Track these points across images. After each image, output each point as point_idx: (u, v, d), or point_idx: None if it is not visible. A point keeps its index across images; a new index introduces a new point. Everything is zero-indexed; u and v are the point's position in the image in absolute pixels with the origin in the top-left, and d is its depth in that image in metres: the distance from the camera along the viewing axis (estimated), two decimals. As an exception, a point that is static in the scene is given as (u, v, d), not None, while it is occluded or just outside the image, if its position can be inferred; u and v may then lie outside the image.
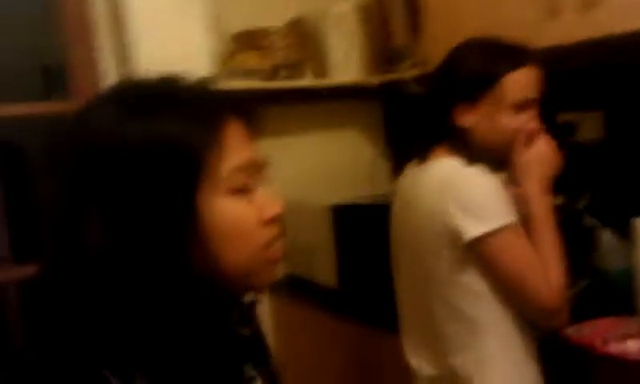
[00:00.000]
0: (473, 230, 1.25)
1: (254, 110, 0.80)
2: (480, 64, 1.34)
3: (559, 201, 1.90)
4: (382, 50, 2.47)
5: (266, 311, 2.43)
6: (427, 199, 1.33)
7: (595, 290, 1.81)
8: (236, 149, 0.74)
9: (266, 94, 2.34)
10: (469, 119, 1.35)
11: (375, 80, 2.44)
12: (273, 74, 2.34)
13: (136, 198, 0.69)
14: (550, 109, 2.02)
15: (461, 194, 1.26)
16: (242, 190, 0.75)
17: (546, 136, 1.40)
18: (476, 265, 1.29)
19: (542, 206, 1.34)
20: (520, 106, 1.34)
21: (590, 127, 2.01)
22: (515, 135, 1.35)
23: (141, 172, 0.69)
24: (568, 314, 1.31)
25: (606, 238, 1.85)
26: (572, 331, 1.53)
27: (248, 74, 2.27)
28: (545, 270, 1.27)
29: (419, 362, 1.43)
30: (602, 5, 1.55)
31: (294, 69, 2.41)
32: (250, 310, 0.95)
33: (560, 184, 1.98)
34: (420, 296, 1.39)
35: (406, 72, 2.26)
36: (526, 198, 1.35)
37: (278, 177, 2.72)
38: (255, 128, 0.80)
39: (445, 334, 1.34)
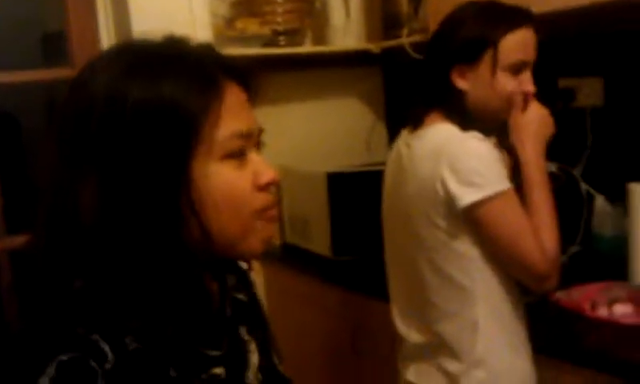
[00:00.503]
0: (467, 196, 1.26)
1: (254, 76, 0.80)
2: (477, 26, 1.34)
3: (555, 167, 1.91)
4: (383, 17, 2.45)
5: (260, 279, 2.47)
6: (421, 166, 1.34)
7: (587, 256, 1.83)
8: (234, 115, 0.74)
9: (265, 61, 2.34)
10: (465, 81, 1.35)
11: (375, 47, 2.43)
12: (272, 40, 2.34)
13: (131, 159, 0.70)
14: (550, 74, 2.04)
15: (455, 161, 1.27)
16: (238, 156, 0.75)
17: (539, 100, 1.39)
18: (469, 231, 1.30)
19: (538, 169, 1.35)
20: (516, 68, 1.34)
21: (589, 93, 2.00)
22: (511, 98, 1.35)
23: (136, 133, 0.70)
24: (559, 279, 1.32)
25: (600, 204, 1.86)
26: (561, 295, 1.55)
27: (247, 40, 2.27)
28: (538, 234, 1.28)
29: (407, 330, 1.45)
30: None
31: (294, 35, 2.40)
32: (246, 276, 0.97)
33: (557, 150, 2.00)
34: (410, 263, 1.40)
35: (407, 38, 2.25)
36: (522, 162, 1.36)
37: (276, 144, 2.74)
38: (254, 95, 0.80)
39: (433, 301, 1.36)
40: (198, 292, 0.75)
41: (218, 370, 0.80)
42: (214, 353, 0.80)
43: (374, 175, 1.58)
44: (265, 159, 0.79)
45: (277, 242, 2.47)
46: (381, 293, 1.58)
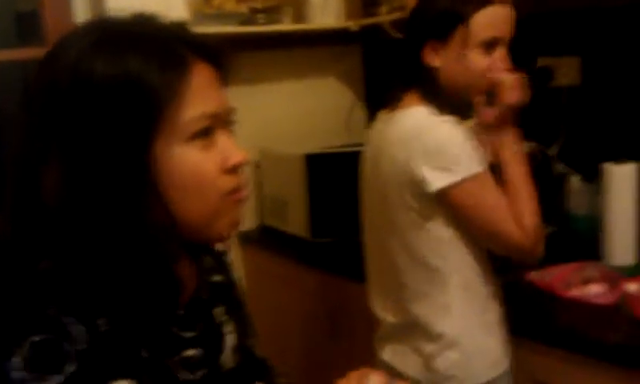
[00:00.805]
0: (440, 180, 1.26)
1: (226, 56, 0.78)
2: (448, 1, 1.33)
3: (531, 146, 1.92)
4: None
5: (239, 261, 2.46)
6: (394, 149, 1.33)
7: (562, 236, 1.85)
8: (201, 95, 0.73)
9: (243, 39, 2.31)
10: (438, 58, 1.34)
11: (354, 25, 2.41)
12: (250, 18, 2.31)
13: (93, 136, 0.69)
14: (529, 53, 2.04)
15: (427, 145, 1.27)
16: (204, 138, 0.73)
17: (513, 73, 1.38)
18: (442, 214, 1.31)
19: (513, 148, 1.35)
20: (488, 45, 1.32)
21: (566, 72, 2.01)
22: (482, 75, 1.34)
23: (99, 109, 0.69)
24: (543, 250, 1.33)
25: (575, 184, 1.87)
26: (535, 275, 1.57)
27: (225, 18, 2.24)
28: (517, 211, 1.29)
29: (383, 311, 1.47)
30: None
31: (272, 13, 2.38)
32: (222, 258, 0.96)
33: (534, 129, 2.01)
34: (385, 245, 1.41)
35: (386, 16, 2.24)
36: (498, 141, 1.36)
37: (254, 124, 2.72)
38: (226, 74, 0.79)
39: (407, 283, 1.37)
40: (163, 274, 0.74)
41: (192, 352, 0.80)
42: (188, 334, 0.80)
43: (352, 156, 1.57)
44: (234, 140, 0.77)
45: (253, 223, 2.47)
46: (358, 275, 1.59)
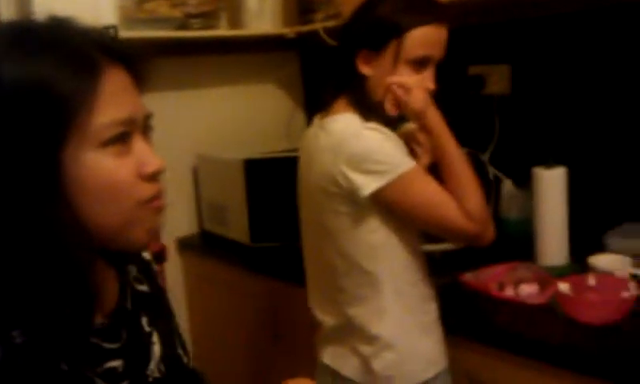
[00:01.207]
0: (370, 185, 1.26)
1: (143, 60, 0.76)
2: (387, 14, 1.34)
3: (464, 152, 1.95)
4: (299, 1, 2.43)
5: (178, 267, 2.42)
6: (323, 156, 1.34)
7: (496, 239, 1.88)
8: (114, 100, 0.70)
9: (177, 44, 2.28)
10: (369, 68, 1.35)
11: (291, 32, 2.41)
12: (185, 23, 2.28)
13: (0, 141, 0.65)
14: (460, 62, 2.09)
15: (354, 151, 1.27)
16: (118, 144, 0.71)
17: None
18: (372, 219, 1.31)
19: (446, 137, 1.36)
20: (418, 63, 1.34)
21: (497, 80, 2.06)
22: (390, 88, 1.35)
23: (6, 115, 0.65)
24: (493, 231, 1.35)
25: (507, 188, 1.92)
26: (470, 277, 1.59)
27: (158, 22, 2.20)
28: (458, 197, 1.30)
29: (322, 314, 1.46)
30: None
31: (208, 18, 2.35)
32: (148, 267, 0.93)
33: (466, 135, 2.05)
34: (320, 249, 1.41)
35: (321, 23, 2.24)
36: (431, 134, 1.37)
37: (193, 130, 2.69)
38: (143, 80, 0.76)
39: (343, 286, 1.37)
40: (75, 283, 0.71)
41: (115, 363, 0.76)
42: (111, 346, 0.77)
43: (290, 161, 1.55)
44: (151, 147, 0.75)
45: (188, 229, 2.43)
46: (299, 279, 1.57)
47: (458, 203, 1.29)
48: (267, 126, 2.59)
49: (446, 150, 1.35)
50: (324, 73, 1.51)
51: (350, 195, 1.29)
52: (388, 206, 1.30)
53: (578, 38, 1.86)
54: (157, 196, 0.75)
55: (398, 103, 1.36)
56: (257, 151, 2.22)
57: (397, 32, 1.32)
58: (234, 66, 2.53)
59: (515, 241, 1.81)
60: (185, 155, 2.41)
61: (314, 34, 2.28)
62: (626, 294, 1.40)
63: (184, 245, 2.41)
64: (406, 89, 1.33)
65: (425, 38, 1.33)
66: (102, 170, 0.69)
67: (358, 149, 1.28)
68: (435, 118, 1.36)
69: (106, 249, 0.76)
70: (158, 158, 0.74)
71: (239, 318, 2.20)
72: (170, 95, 2.34)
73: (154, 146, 0.77)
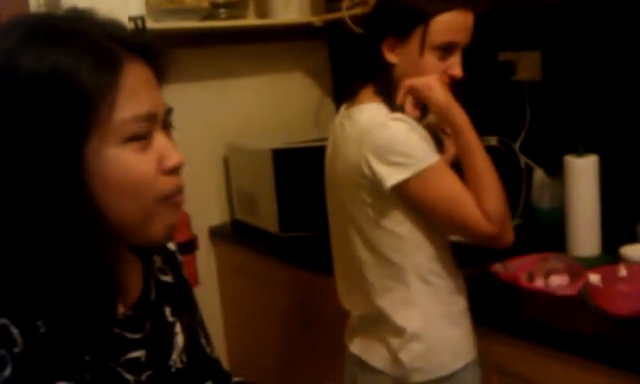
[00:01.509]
0: (393, 176, 1.25)
1: (163, 54, 0.75)
2: (411, 0, 1.33)
3: (495, 140, 1.93)
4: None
5: (211, 256, 2.44)
6: (348, 146, 1.33)
7: (527, 228, 1.86)
8: (135, 95, 0.70)
9: (206, 35, 2.29)
10: (395, 55, 1.34)
11: (318, 20, 2.40)
12: (212, 13, 2.28)
13: (21, 137, 0.66)
14: (490, 48, 2.06)
15: (377, 143, 1.27)
16: (139, 139, 0.70)
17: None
18: (398, 210, 1.30)
19: (470, 134, 1.33)
20: (445, 49, 1.32)
21: (527, 66, 2.02)
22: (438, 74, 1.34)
23: (26, 105, 0.66)
24: (512, 234, 1.32)
25: (539, 176, 1.89)
26: (500, 267, 1.58)
27: (186, 13, 2.20)
28: (480, 197, 1.28)
29: (350, 304, 1.46)
30: None
31: (235, 8, 2.35)
32: (173, 257, 0.94)
33: (497, 123, 2.02)
34: (346, 240, 1.41)
35: (347, 11, 2.23)
36: (454, 132, 1.35)
37: (223, 120, 2.70)
38: (164, 74, 0.76)
39: (369, 278, 1.37)
40: (97, 274, 0.72)
41: (138, 353, 0.78)
42: (134, 336, 0.78)
43: (319, 151, 1.55)
44: (171, 141, 0.74)
45: (226, 218, 2.45)
46: (328, 268, 1.58)
47: (478, 203, 1.27)
48: (296, 115, 2.59)
49: (469, 148, 1.33)
50: (351, 61, 1.50)
51: (374, 186, 1.28)
52: (410, 199, 1.29)
53: (609, 22, 1.82)
54: (177, 191, 0.75)
55: (419, 103, 1.35)
56: (286, 140, 2.21)
57: (422, 18, 1.30)
58: (262, 56, 2.53)
59: (547, 230, 1.79)
60: (216, 145, 2.42)
61: (341, 22, 2.27)
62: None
63: (216, 234, 2.43)
64: (428, 86, 1.32)
65: (450, 24, 1.31)
66: (124, 166, 0.70)
67: (383, 139, 1.27)
68: (458, 115, 1.34)
69: (128, 242, 0.76)
70: (178, 152, 0.74)
71: (269, 308, 2.22)
72: (199, 85, 2.35)
73: (185, 138, 0.76)
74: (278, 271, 2.13)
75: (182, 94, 2.25)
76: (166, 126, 0.76)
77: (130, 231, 0.73)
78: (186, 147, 2.60)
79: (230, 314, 2.45)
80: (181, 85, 2.26)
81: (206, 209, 2.41)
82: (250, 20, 2.42)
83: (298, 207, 2.14)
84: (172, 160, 0.73)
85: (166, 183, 0.73)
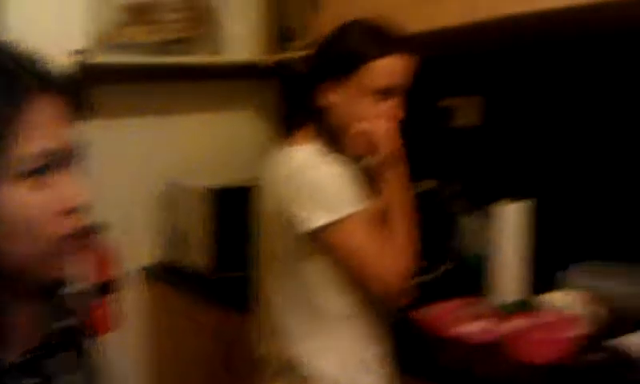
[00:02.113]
0: (315, 220, 1.27)
1: (79, 89, 0.75)
2: (350, 45, 1.35)
3: (430, 184, 1.95)
4: (279, 29, 2.45)
5: (143, 296, 2.40)
6: (276, 187, 1.35)
7: (457, 273, 1.88)
8: (40, 131, 0.68)
9: (156, 70, 2.30)
10: (331, 98, 1.36)
11: (270, 60, 2.43)
12: (163, 49, 2.30)
13: None
14: (430, 94, 2.09)
15: (304, 185, 1.28)
16: (39, 177, 0.68)
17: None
18: (320, 254, 1.31)
19: (401, 193, 1.36)
20: (382, 93, 1.34)
21: (467, 112, 2.06)
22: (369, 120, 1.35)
23: None
24: (409, 297, 1.35)
25: (469, 222, 1.91)
26: (422, 313, 1.58)
27: (136, 47, 2.22)
28: (390, 256, 1.30)
29: (268, 348, 1.45)
30: None
31: (187, 45, 2.37)
32: (78, 300, 0.92)
33: (433, 167, 2.05)
34: (268, 282, 1.41)
35: (298, 52, 2.26)
36: (387, 185, 1.37)
37: (166, 156, 2.67)
38: (78, 109, 0.74)
39: (288, 322, 1.37)
40: None
41: None
42: (31, 381, 0.76)
43: (253, 190, 1.53)
44: (74, 180, 0.72)
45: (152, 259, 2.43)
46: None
47: (386, 262, 1.30)
48: (243, 154, 2.58)
49: (394, 207, 1.35)
50: (294, 101, 1.52)
51: (296, 228, 1.29)
52: (324, 244, 1.30)
53: (548, 69, 1.87)
54: (75, 232, 0.73)
55: (364, 147, 1.36)
56: (229, 180, 2.20)
57: (361, 62, 1.32)
58: (212, 93, 2.54)
59: (473, 275, 1.80)
60: (156, 183, 2.39)
61: (292, 62, 2.29)
62: (573, 333, 1.39)
63: (149, 274, 2.39)
64: (380, 133, 1.34)
65: (389, 68, 1.33)
66: (17, 203, 0.67)
67: (309, 182, 1.28)
68: (396, 173, 1.37)
69: (26, 283, 0.74)
70: (82, 192, 0.72)
71: (196, 349, 2.19)
72: (143, 121, 2.35)
73: (124, 174, 0.75)
74: (206, 312, 2.11)
75: (124, 130, 2.26)
76: (73, 163, 0.73)
77: (27, 272, 0.71)
78: (124, 184, 2.57)
79: (158, 354, 2.41)
80: (124, 120, 2.26)
81: (140, 248, 2.37)
82: (201, 57, 2.43)
83: (231, 247, 2.13)
84: (70, 200, 0.71)
85: (62, 224, 0.71)
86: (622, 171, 1.77)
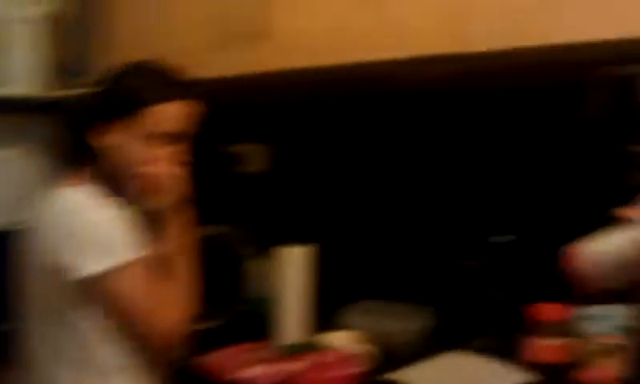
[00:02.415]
0: (86, 267, 1.20)
1: None
2: (133, 86, 1.31)
3: (219, 230, 1.96)
4: (62, 64, 2.34)
5: None
6: (47, 230, 1.26)
7: (242, 319, 1.89)
8: None
9: None
10: (111, 138, 1.30)
11: (50, 95, 2.29)
12: None
13: None
14: (221, 140, 2.12)
15: (77, 229, 1.22)
16: None
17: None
18: (91, 302, 1.24)
19: (178, 237, 1.34)
20: (165, 138, 1.32)
21: (258, 159, 2.12)
22: (143, 166, 1.32)
23: None
24: (191, 345, 1.32)
25: (256, 267, 1.95)
26: (204, 359, 1.57)
27: None
28: (169, 304, 1.27)
29: None
30: (270, 40, 1.64)
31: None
32: None
33: (220, 212, 2.07)
34: (36, 334, 1.31)
35: (83, 89, 2.16)
36: (164, 229, 1.34)
37: None
38: None
39: (58, 375, 1.28)
40: None
41: None
42: None
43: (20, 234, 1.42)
44: None
45: None
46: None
47: (164, 308, 1.27)
48: (12, 193, 2.39)
49: (177, 252, 1.33)
50: (73, 140, 1.44)
51: (66, 276, 1.21)
52: (93, 292, 1.23)
53: (333, 122, 1.99)
54: None
55: (147, 191, 1.32)
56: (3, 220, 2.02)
57: (143, 105, 1.29)
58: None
59: (259, 319, 1.83)
60: None
61: (73, 99, 2.19)
62: (349, 371, 1.47)
63: None
64: (158, 176, 1.31)
65: (171, 114, 1.31)
66: None
67: (81, 226, 1.22)
68: (178, 215, 1.34)
69: None
70: None
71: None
72: None
73: None
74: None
75: None
76: None
77: None
78: None
79: None
80: None
81: None
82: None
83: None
84: None
85: None
86: (394, 220, 1.93)
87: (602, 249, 0.89)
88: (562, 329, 1.51)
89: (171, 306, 1.28)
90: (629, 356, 1.39)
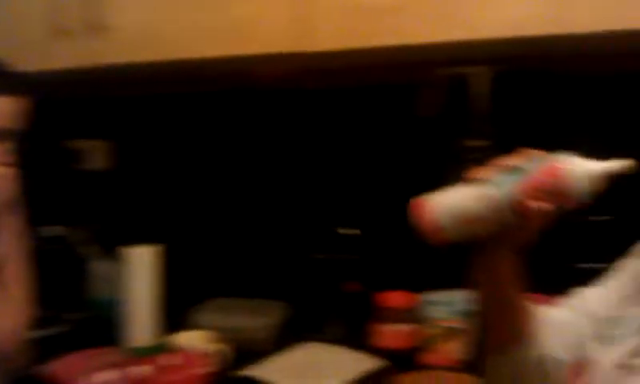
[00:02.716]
0: None
1: None
2: None
3: (58, 231, 1.85)
4: None
5: None
6: None
7: (88, 322, 1.80)
8: None
9: None
10: None
11: None
12: None
13: None
14: (58, 136, 2.00)
15: None
16: None
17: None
18: None
19: (9, 241, 1.24)
20: None
21: (98, 155, 2.02)
22: None
23: None
24: (30, 353, 1.24)
25: (101, 268, 1.86)
26: (48, 367, 1.47)
27: None
28: (2, 313, 1.18)
29: None
30: (109, 33, 1.58)
31: None
32: None
33: (62, 211, 1.96)
34: None
35: None
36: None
37: None
38: None
39: None
40: None
41: None
42: None
43: None
44: None
45: None
46: None
47: None
48: None
49: (9, 258, 1.23)
50: None
51: None
52: None
53: (178, 118, 1.95)
54: None
55: None
56: None
57: None
58: None
59: (107, 322, 1.75)
60: None
61: None
62: (201, 370, 1.45)
63: None
64: None
65: None
66: None
67: None
68: (8, 219, 1.24)
69: None
70: None
71: None
72: None
73: None
74: None
75: None
76: None
77: None
78: None
79: None
80: None
81: None
82: None
83: None
84: None
85: None
86: (242, 216, 1.94)
87: (448, 201, 0.93)
88: (408, 315, 1.59)
89: (7, 313, 1.19)
90: (468, 338, 1.51)
